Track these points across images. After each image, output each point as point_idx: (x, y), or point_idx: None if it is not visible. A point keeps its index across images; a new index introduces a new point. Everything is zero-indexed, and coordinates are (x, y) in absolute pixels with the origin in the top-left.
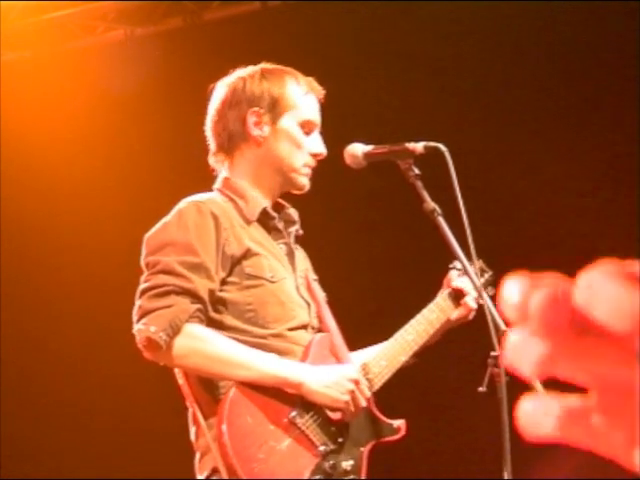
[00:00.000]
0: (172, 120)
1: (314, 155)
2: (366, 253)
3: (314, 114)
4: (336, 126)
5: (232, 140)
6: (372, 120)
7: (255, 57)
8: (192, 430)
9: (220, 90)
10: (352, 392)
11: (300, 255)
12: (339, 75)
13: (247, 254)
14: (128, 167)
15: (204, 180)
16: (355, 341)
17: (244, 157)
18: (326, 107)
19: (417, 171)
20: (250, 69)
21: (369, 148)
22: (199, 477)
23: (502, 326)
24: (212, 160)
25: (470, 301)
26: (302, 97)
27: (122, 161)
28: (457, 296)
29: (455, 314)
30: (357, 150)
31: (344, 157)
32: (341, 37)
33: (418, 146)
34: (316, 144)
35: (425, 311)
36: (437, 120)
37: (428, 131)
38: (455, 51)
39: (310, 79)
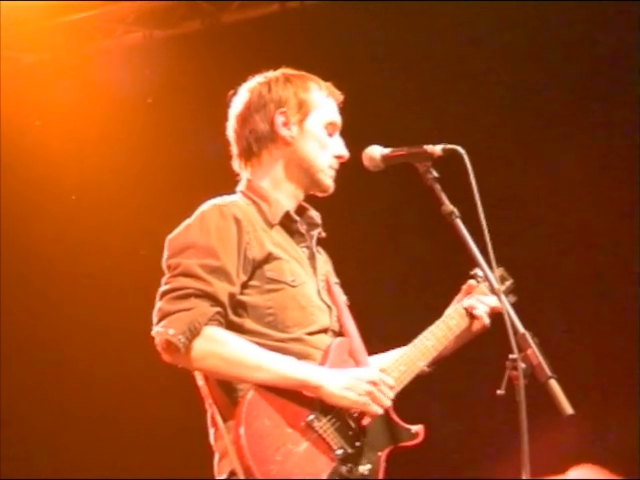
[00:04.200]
0: (190, 122)
1: (337, 157)
2: (386, 257)
3: (336, 116)
4: (354, 129)
5: (259, 142)
6: (390, 122)
7: (273, 59)
8: (211, 432)
9: (243, 95)
10: (370, 393)
11: (322, 258)
12: (357, 77)
13: (268, 258)
14: (146, 169)
15: (224, 182)
16: (375, 345)
17: (272, 158)
18: (344, 110)
19: (435, 174)
20: (271, 74)
21: (387, 151)
22: (218, 478)
23: (520, 330)
24: (236, 163)
25: (484, 317)
26: (324, 100)
27: (140, 163)
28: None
29: (472, 325)
30: (375, 152)
31: (362, 160)
32: (359, 39)
33: (436, 148)
34: (339, 146)
35: (445, 317)
36: (455, 122)
37: (446, 133)
38: (474, 54)
39: (329, 84)
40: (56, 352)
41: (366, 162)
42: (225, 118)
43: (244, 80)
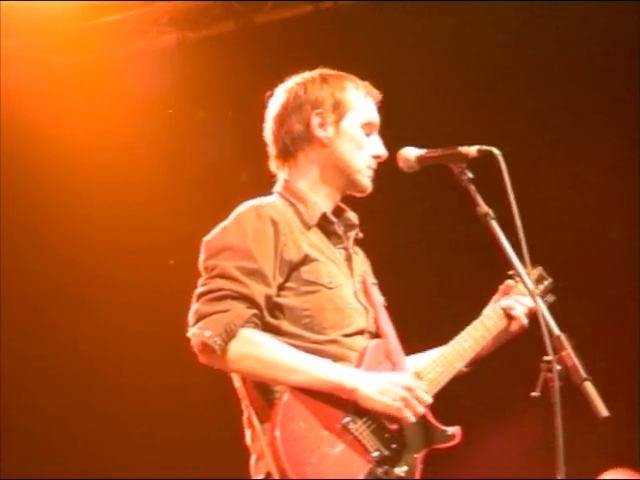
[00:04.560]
0: (223, 123)
1: (375, 157)
2: (424, 257)
3: (374, 116)
4: (387, 130)
5: (296, 143)
6: (424, 123)
7: (307, 59)
8: (247, 433)
9: (280, 96)
10: (405, 399)
11: (359, 259)
12: (390, 77)
13: (305, 260)
14: (180, 170)
15: (256, 183)
16: (412, 346)
17: (308, 159)
18: (378, 110)
19: (470, 175)
20: (308, 74)
21: (422, 152)
22: (254, 479)
23: (555, 331)
24: (273, 164)
25: (522, 318)
26: (361, 100)
27: (174, 164)
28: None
29: (510, 326)
30: (410, 154)
31: (397, 161)
32: (393, 39)
33: (471, 150)
34: (377, 146)
35: (482, 318)
36: (490, 124)
37: (480, 135)
38: (509, 55)
39: (366, 83)
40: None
41: (401, 163)
42: (257, 118)
43: (277, 81)
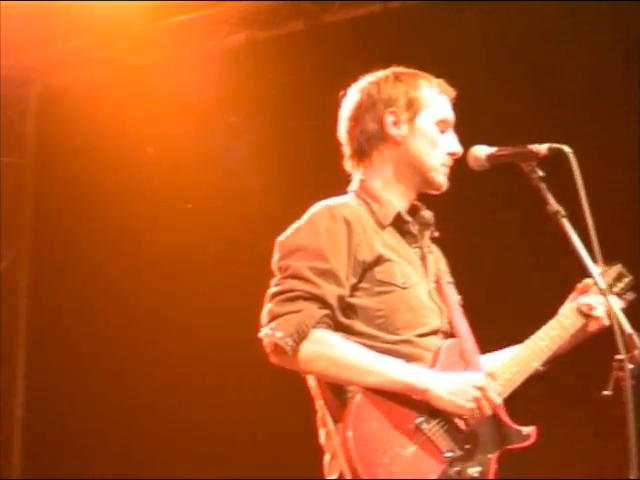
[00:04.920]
0: (294, 121)
1: (451, 154)
2: (500, 255)
3: (448, 113)
4: (460, 128)
5: (370, 142)
6: (495, 121)
7: (375, 58)
8: (321, 432)
9: (353, 95)
10: (478, 399)
11: (434, 258)
12: (461, 76)
13: (379, 260)
14: (255, 169)
15: (332, 182)
16: (488, 344)
17: (382, 158)
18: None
19: (541, 173)
20: (381, 73)
21: (492, 150)
22: (328, 478)
23: (627, 330)
24: (348, 164)
25: (604, 317)
26: (436, 97)
27: (250, 162)
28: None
29: (588, 325)
30: (481, 152)
31: (467, 159)
32: (462, 37)
33: (542, 148)
34: (452, 143)
35: (559, 316)
36: (562, 122)
37: (552, 132)
38: (582, 53)
39: (440, 80)
40: (166, 355)
41: (471, 161)
42: (328, 117)
43: (346, 80)
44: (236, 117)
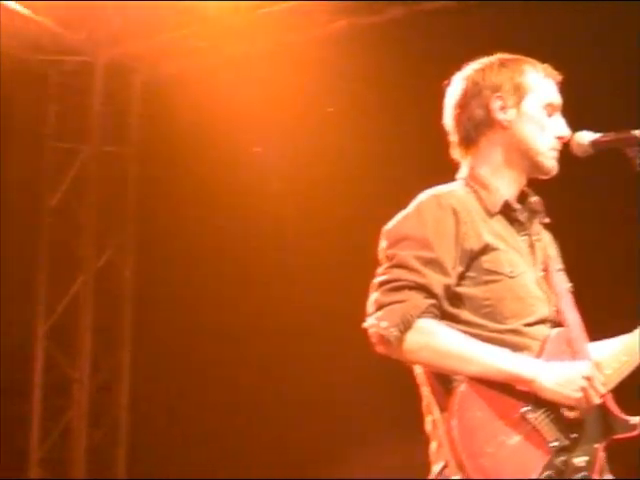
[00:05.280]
0: (396, 108)
1: (559, 137)
2: (612, 241)
3: (555, 96)
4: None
5: (477, 128)
6: (598, 108)
7: (477, 44)
8: (428, 419)
9: (459, 83)
10: (585, 389)
11: (542, 245)
12: (566, 62)
13: (486, 249)
14: (353, 158)
15: (432, 169)
16: (598, 332)
17: (490, 144)
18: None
19: None
20: (486, 60)
21: (596, 136)
22: (434, 467)
23: None
24: (455, 152)
25: None
26: (541, 81)
27: (348, 151)
28: None
29: None
30: (584, 138)
31: (570, 145)
32: (569, 24)
33: None
34: (560, 126)
35: None
36: None
37: None
38: None
39: (546, 65)
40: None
41: (574, 148)
42: (430, 102)
43: (447, 65)
44: (339, 106)
